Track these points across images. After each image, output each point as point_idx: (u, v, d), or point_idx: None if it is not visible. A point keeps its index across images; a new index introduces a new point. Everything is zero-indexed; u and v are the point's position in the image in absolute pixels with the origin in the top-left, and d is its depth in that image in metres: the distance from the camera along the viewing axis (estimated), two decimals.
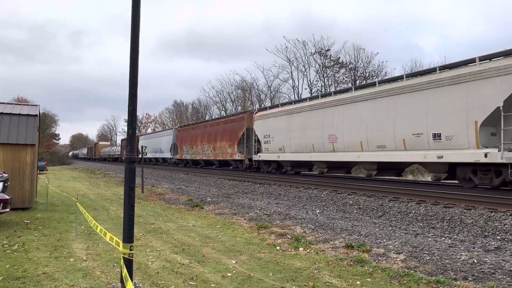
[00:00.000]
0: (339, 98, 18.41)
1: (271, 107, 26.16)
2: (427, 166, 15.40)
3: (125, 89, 4.06)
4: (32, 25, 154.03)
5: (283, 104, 24.77)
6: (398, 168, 17.54)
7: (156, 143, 45.81)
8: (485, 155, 11.88)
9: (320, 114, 19.33)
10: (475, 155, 12.19)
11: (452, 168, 13.85)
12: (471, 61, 13.00)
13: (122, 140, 67.11)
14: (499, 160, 11.50)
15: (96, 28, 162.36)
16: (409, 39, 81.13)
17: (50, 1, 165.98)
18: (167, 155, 42.51)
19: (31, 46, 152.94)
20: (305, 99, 22.57)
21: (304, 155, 20.65)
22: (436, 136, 13.53)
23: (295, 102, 23.60)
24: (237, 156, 27.42)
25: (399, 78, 16.20)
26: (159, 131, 60.68)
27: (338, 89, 36.44)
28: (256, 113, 26.06)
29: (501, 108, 11.46)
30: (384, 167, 17.16)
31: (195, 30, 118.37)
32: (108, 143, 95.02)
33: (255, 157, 25.28)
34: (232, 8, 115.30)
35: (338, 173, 21.29)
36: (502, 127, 11.42)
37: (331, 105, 18.62)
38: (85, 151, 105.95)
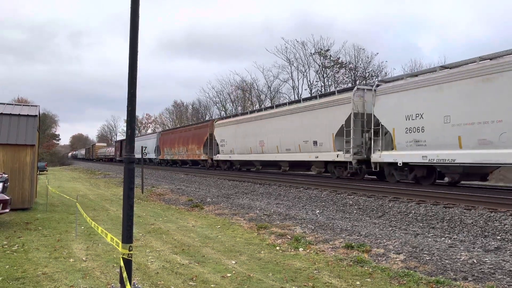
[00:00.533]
0: (265, 113, 24.75)
1: (226, 117, 32.39)
2: (313, 163, 20.94)
3: (125, 89, 4.06)
4: (32, 25, 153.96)
5: (234, 116, 31.08)
6: (303, 165, 22.56)
7: (143, 145, 48.07)
8: (337, 156, 17.81)
9: (254, 124, 25.49)
10: (332, 156, 18.14)
11: (326, 165, 19.71)
12: (333, 93, 19.97)
13: (115, 142, 72.59)
14: (343, 159, 17.49)
15: (96, 28, 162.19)
16: (409, 39, 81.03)
17: (50, 1, 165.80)
18: (152, 155, 47.69)
19: (31, 46, 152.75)
20: (247, 112, 29.24)
21: (246, 156, 26.56)
22: (315, 143, 19.25)
23: (242, 114, 29.86)
24: (203, 157, 33.28)
25: (299, 101, 22.56)
26: (145, 135, 67.70)
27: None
28: (216, 121, 32.30)
29: (343, 125, 17.30)
30: (293, 165, 23.02)
31: (195, 30, 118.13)
32: (105, 144, 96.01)
33: (215, 157, 31.13)
34: (232, 8, 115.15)
35: (271, 169, 27.52)
36: (344, 138, 17.29)
37: (261, 119, 24.94)
38: (83, 151, 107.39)
